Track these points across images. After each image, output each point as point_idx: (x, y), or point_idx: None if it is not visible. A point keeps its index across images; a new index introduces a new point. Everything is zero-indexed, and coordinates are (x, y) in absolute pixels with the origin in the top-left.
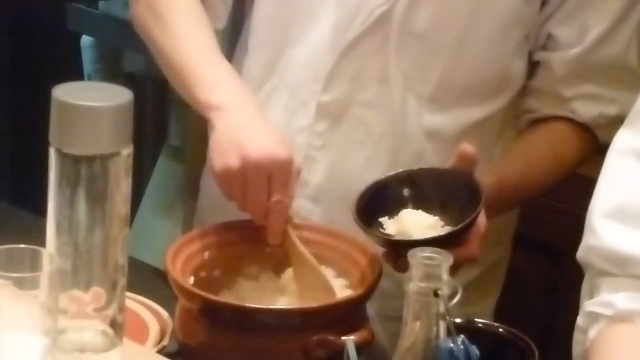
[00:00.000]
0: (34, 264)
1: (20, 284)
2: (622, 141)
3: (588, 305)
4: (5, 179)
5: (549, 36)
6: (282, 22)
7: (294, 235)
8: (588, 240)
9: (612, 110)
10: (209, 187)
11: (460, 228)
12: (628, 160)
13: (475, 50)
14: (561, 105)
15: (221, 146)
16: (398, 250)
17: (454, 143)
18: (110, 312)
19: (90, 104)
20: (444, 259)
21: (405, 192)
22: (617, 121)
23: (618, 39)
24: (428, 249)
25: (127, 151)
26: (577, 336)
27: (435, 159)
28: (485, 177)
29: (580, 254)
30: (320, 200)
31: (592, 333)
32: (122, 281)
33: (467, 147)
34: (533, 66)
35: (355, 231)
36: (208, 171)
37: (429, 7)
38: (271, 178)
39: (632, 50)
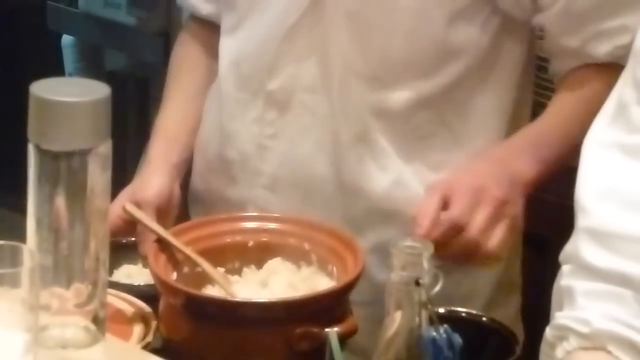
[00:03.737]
0: (15, 260)
1: (0, 280)
2: (604, 135)
3: (560, 317)
4: None
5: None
6: (231, 16)
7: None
8: (580, 222)
9: (624, 39)
10: (195, 183)
11: None
12: (612, 153)
13: (406, 21)
14: (575, 56)
15: None
16: None
17: (402, 120)
18: (92, 307)
19: (67, 99)
20: (425, 248)
21: None
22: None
23: None
24: (409, 238)
25: (105, 146)
26: (544, 348)
27: (382, 137)
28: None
29: (567, 248)
30: (276, 188)
31: (559, 353)
32: (104, 276)
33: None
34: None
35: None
36: (196, 170)
37: None
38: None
39: None
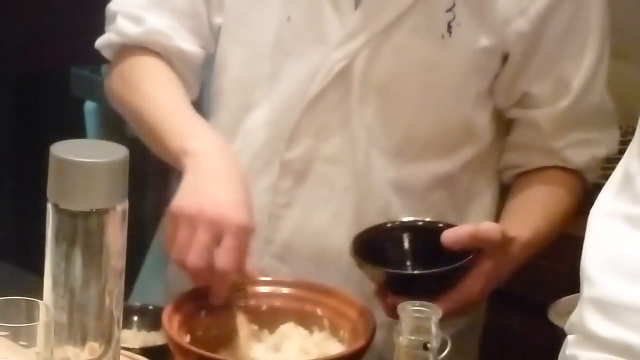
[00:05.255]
0: (30, 315)
1: (16, 334)
2: (609, 206)
3: None
4: (11, 241)
5: (525, 94)
6: (246, 85)
7: (237, 307)
8: (585, 292)
9: (601, 151)
10: None
11: (450, 268)
12: (617, 224)
13: (436, 100)
14: (551, 156)
15: (186, 189)
16: (392, 286)
17: (421, 197)
18: None
19: (86, 160)
20: (434, 312)
21: (406, 243)
22: (604, 162)
23: (598, 85)
24: (418, 302)
25: (122, 206)
26: None
27: (402, 213)
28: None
29: (572, 318)
30: (286, 258)
31: None
32: (117, 334)
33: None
34: (508, 123)
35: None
36: None
37: (387, 60)
38: (222, 240)
39: (607, 93)
